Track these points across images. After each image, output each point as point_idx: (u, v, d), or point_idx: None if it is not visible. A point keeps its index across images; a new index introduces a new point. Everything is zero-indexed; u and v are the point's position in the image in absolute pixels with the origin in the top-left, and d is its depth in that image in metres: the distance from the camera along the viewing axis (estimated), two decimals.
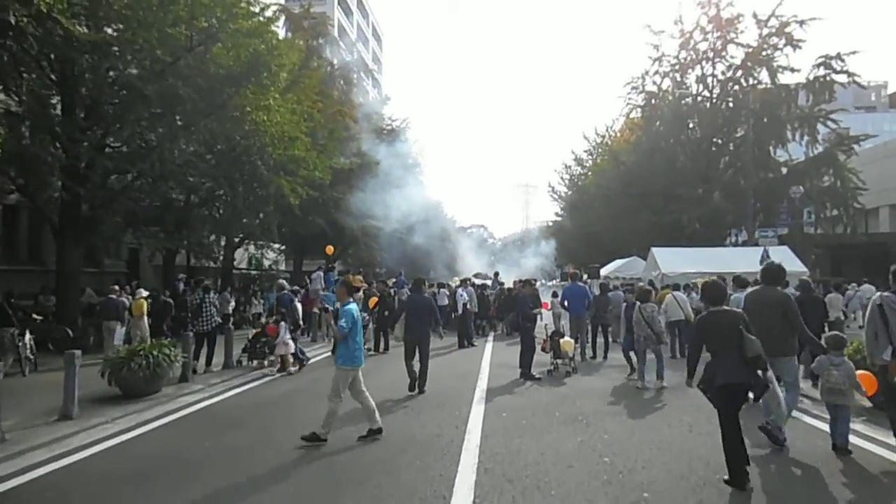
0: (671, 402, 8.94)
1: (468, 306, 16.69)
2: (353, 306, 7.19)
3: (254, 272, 29.54)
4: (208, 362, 12.39)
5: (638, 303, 10.54)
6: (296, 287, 18.07)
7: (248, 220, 20.72)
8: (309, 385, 10.71)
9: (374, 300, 15.17)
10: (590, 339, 13.49)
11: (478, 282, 22.63)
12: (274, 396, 9.73)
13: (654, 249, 24.23)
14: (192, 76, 15.89)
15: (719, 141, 31.35)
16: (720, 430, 5.34)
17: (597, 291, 14.33)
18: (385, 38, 60.51)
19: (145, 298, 14.81)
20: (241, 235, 24.88)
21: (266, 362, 12.68)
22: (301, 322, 14.95)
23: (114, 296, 15.16)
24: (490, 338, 18.26)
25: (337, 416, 6.90)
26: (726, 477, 5.23)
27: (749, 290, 7.25)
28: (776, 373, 6.42)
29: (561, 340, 11.17)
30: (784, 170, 31.00)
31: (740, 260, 22.86)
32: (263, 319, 16.34)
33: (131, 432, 7.42)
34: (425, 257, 36.18)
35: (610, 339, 14.01)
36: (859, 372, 6.30)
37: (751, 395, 6.14)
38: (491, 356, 14.04)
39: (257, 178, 20.09)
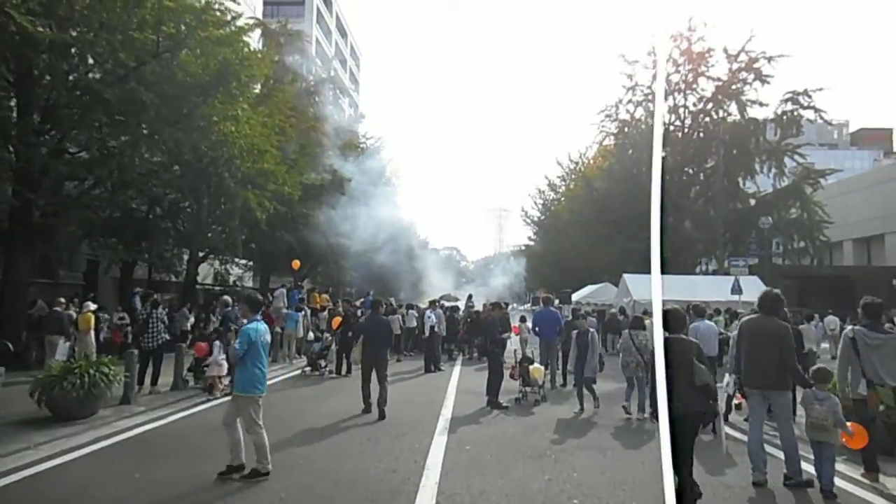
0: (642, 435, 8.43)
1: (436, 329, 16.05)
2: (254, 326, 6.29)
3: (217, 288, 28.48)
4: (153, 381, 11.53)
5: (629, 330, 10.18)
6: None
7: (213, 234, 19.86)
8: None
9: (337, 320, 14.49)
10: (560, 367, 12.97)
11: (447, 304, 22.06)
12: (218, 422, 8.94)
13: (625, 276, 23.98)
14: (158, 82, 15.18)
15: (690, 171, 31.51)
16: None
17: (569, 316, 13.86)
18: (363, 59, 60.56)
19: (93, 312, 13.91)
20: (205, 250, 23.95)
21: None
22: None
23: (59, 308, 14.24)
24: (458, 362, 17.63)
25: (266, 447, 6.15)
26: None
27: (745, 317, 6.94)
28: (771, 407, 6.22)
29: (530, 367, 10.62)
30: (752, 201, 31.25)
31: (710, 289, 22.76)
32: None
33: (52, 461, 6.62)
34: (394, 277, 35.47)
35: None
36: (851, 423, 5.86)
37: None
38: (458, 382, 13.42)
39: (223, 190, 19.32)
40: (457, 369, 15.69)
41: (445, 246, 77.74)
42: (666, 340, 5.00)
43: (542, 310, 13.07)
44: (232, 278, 30.09)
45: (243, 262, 29.52)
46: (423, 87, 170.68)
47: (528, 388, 10.73)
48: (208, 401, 10.58)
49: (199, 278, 25.81)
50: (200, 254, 25.10)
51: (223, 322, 12.64)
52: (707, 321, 10.76)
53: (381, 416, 9.22)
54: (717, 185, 28.24)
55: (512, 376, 10.82)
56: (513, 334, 12.18)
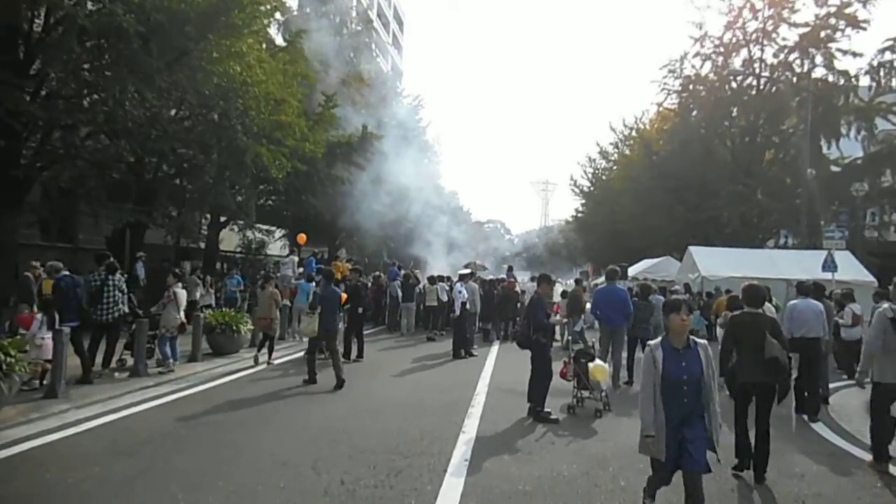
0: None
1: (468, 306, 12.99)
2: None
3: (238, 255, 26.13)
4: (106, 363, 8.94)
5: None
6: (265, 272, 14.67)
7: (221, 194, 17.21)
8: (222, 415, 7.14)
9: (344, 296, 11.65)
10: (625, 360, 9.78)
11: (483, 276, 19.05)
12: (149, 434, 6.16)
13: (692, 249, 20.37)
14: (143, 7, 12.50)
15: (764, 133, 27.19)
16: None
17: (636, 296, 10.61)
18: (407, 20, 56.84)
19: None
20: (218, 215, 21.47)
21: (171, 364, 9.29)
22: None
23: (28, 273, 11.85)
24: (495, 345, 14.60)
25: None
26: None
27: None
28: None
29: (590, 365, 7.49)
30: (833, 168, 26.79)
31: (793, 264, 18.98)
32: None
33: None
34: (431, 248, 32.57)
35: None
36: None
37: None
38: (492, 373, 10.39)
39: (235, 145, 16.61)
40: (492, 355, 12.67)
41: (489, 219, 74.32)
42: (741, 314, 5.64)
43: (606, 287, 9.86)
44: (275, 248, 27.69)
45: (275, 229, 26.99)
46: (469, 55, 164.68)
47: (585, 393, 7.63)
48: (172, 393, 7.86)
49: (219, 244, 23.37)
50: (222, 219, 22.71)
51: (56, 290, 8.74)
52: (812, 300, 8.55)
53: (338, 385, 8.70)
54: (802, 148, 23.98)
55: (564, 376, 7.71)
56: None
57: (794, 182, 27.10)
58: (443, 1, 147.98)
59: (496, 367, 11.13)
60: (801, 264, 18.77)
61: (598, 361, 7.62)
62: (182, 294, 9.59)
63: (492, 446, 6.03)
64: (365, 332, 16.44)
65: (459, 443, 6.10)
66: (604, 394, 7.59)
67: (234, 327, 11.43)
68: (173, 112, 16.87)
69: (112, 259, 9.14)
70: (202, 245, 23.11)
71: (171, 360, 9.35)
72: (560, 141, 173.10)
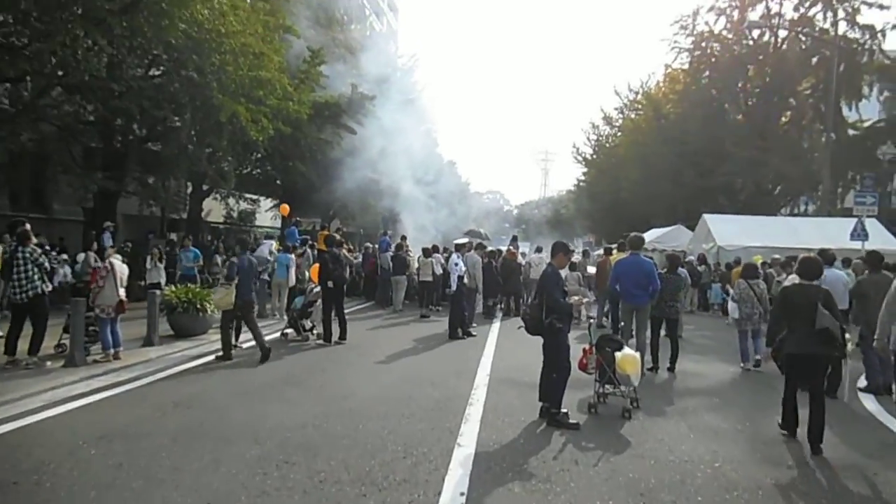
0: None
1: (465, 281, 11.39)
2: None
3: (223, 227, 24.50)
4: (32, 350, 7.39)
5: (745, 280, 8.99)
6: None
7: (198, 158, 15.48)
8: (157, 418, 5.59)
9: (315, 268, 10.06)
10: (649, 342, 8.23)
11: (485, 245, 17.40)
12: (39, 458, 4.60)
13: (706, 217, 18.76)
14: None
15: (781, 94, 25.31)
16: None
17: (662, 268, 9.01)
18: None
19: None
20: (200, 183, 19.75)
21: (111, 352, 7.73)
22: None
23: None
24: (496, 323, 13.07)
25: None
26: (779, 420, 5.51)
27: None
28: None
29: (618, 354, 5.91)
30: (851, 132, 24.97)
31: (816, 233, 17.37)
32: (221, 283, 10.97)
33: None
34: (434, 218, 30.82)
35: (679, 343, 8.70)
36: None
37: None
38: (493, 359, 8.84)
39: (208, 103, 14.85)
40: (493, 336, 11.12)
41: (489, 189, 72.38)
42: (792, 286, 5.56)
43: (629, 258, 8.23)
44: (264, 217, 25.99)
45: (261, 198, 25.25)
46: (466, 23, 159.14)
47: (609, 388, 6.09)
48: (113, 387, 6.31)
49: (202, 214, 21.69)
50: (204, 187, 21.01)
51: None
52: (836, 269, 8.93)
53: (264, 356, 8.15)
54: (820, 110, 22.25)
55: (583, 368, 6.15)
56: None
57: (811, 146, 25.40)
58: None
59: (498, 350, 9.59)
60: (825, 232, 17.18)
61: (626, 350, 6.04)
62: (121, 267, 7.98)
63: (496, 470, 4.49)
64: (355, 308, 15.23)
65: (454, 463, 4.56)
66: (632, 389, 6.04)
67: (199, 305, 9.86)
68: (142, 70, 15.13)
69: (26, 226, 7.47)
70: (184, 216, 21.49)
71: (112, 349, 7.79)
72: (560, 110, 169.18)
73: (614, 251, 11.60)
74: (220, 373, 7.56)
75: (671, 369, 8.24)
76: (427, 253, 14.22)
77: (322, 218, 27.05)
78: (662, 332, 8.43)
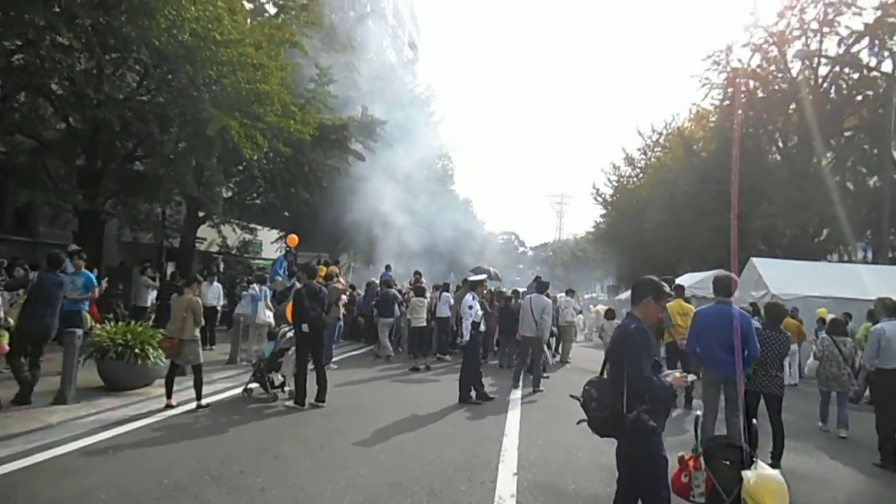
0: None
1: (481, 327, 8.77)
2: None
3: (216, 256, 22.18)
4: None
5: (829, 336, 7.99)
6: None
7: (183, 176, 13.29)
8: None
9: (289, 307, 7.66)
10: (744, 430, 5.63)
11: (495, 287, 14.96)
12: None
13: (755, 261, 16.18)
14: None
15: (822, 133, 22.88)
16: None
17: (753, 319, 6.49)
18: (422, 24, 52.96)
19: None
20: (196, 208, 17.58)
21: None
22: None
23: None
24: (519, 383, 10.49)
25: None
26: None
27: None
28: None
29: (749, 475, 3.36)
30: None
31: (883, 282, 14.67)
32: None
33: None
34: (445, 256, 28.47)
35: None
36: None
37: None
38: (519, 442, 6.25)
39: (195, 114, 12.81)
40: (516, 402, 8.53)
41: (503, 231, 70.00)
42: None
43: (712, 308, 5.75)
44: (248, 247, 23.76)
45: (259, 228, 23.06)
46: (483, 66, 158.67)
47: None
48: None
49: (195, 242, 19.44)
50: (201, 214, 18.84)
51: None
52: None
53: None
54: (871, 150, 19.80)
55: (681, 490, 3.58)
56: None
57: (857, 189, 22.85)
58: (458, 9, 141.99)
59: (525, 425, 7.00)
60: (891, 282, 14.50)
61: (763, 468, 3.46)
62: None
63: None
64: (349, 355, 12.70)
65: None
66: None
67: (139, 349, 7.43)
68: (128, 79, 13.29)
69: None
70: (175, 244, 19.29)
71: None
72: (576, 154, 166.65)
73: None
74: (125, 456, 5.08)
75: (774, 466, 5.61)
76: (419, 291, 11.74)
77: (330, 252, 24.79)
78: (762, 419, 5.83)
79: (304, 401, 7.18)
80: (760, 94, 23.54)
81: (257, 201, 21.54)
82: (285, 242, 18.88)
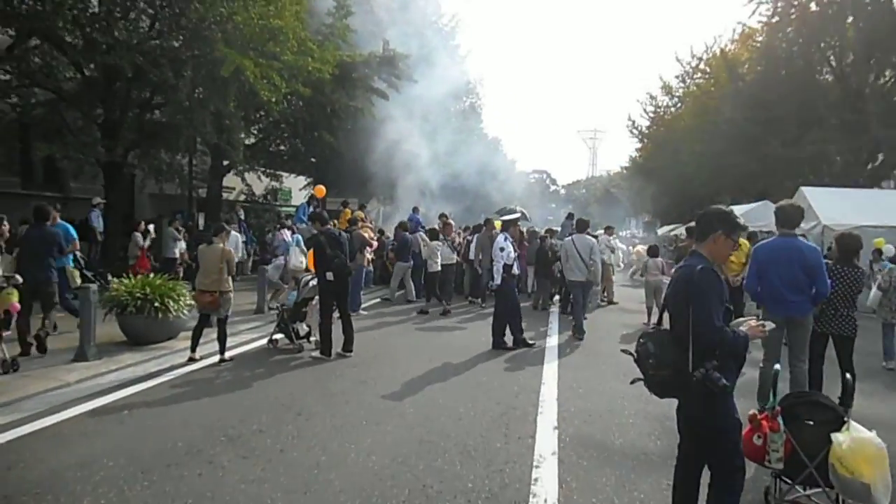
0: None
1: (514, 270, 8.14)
2: None
3: (246, 203, 21.92)
4: None
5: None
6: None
7: (202, 123, 12.79)
8: None
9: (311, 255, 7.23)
10: (808, 374, 5.03)
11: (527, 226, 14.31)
12: None
13: (805, 190, 15.10)
14: None
15: (881, 48, 20.92)
16: None
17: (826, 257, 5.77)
18: None
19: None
20: (220, 157, 17.18)
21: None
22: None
23: None
24: (554, 321, 10.00)
25: None
26: None
27: None
28: None
29: (839, 437, 2.79)
30: None
31: None
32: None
33: None
34: (477, 197, 27.74)
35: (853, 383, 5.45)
36: None
37: None
38: (558, 392, 5.79)
39: (210, 57, 12.18)
40: (552, 347, 8.05)
41: (535, 169, 68.23)
42: None
43: (776, 241, 5.03)
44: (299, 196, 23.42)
45: (285, 175, 22.58)
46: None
47: (801, 492, 2.99)
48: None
49: (222, 192, 19.16)
50: (225, 162, 18.44)
51: None
52: None
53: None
54: None
55: (754, 454, 3.05)
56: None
57: None
58: None
59: (563, 373, 6.53)
60: None
61: (857, 429, 2.88)
62: None
63: None
64: (376, 300, 12.39)
65: None
66: None
67: (160, 303, 7.15)
68: (143, 26, 12.71)
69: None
70: (202, 193, 19.04)
71: None
72: (608, 87, 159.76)
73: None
74: (140, 416, 4.80)
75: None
76: (433, 234, 11.18)
77: (358, 197, 24.31)
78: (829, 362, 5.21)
79: (329, 351, 6.83)
80: (814, 7, 21.51)
81: (282, 148, 21.05)
82: (312, 192, 18.47)
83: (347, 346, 6.97)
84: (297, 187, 25.15)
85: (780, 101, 20.82)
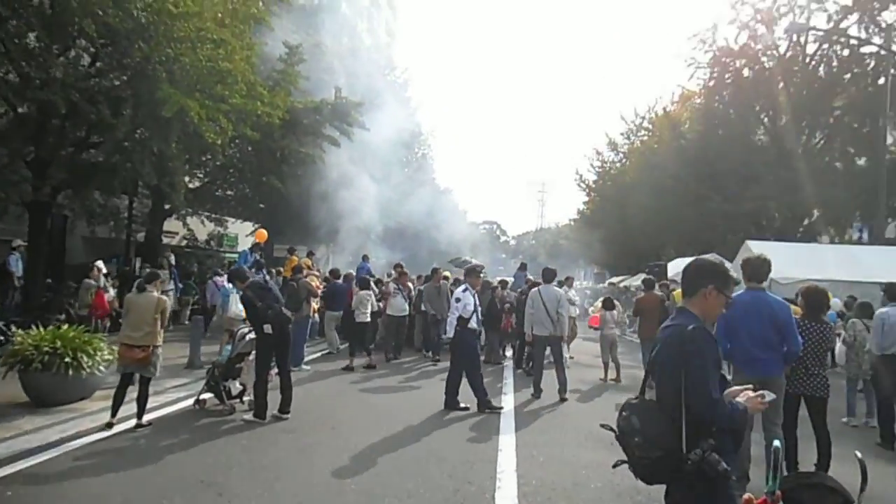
0: None
1: (472, 325, 7.60)
2: None
3: (186, 249, 20.88)
4: None
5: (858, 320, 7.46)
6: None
7: (140, 163, 12.01)
8: None
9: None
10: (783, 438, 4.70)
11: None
12: None
13: (751, 244, 15.31)
14: None
15: (811, 113, 22.20)
16: None
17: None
18: (401, 12, 51.20)
19: None
20: (162, 201, 16.32)
21: None
22: None
23: None
24: (507, 382, 9.50)
25: None
26: None
27: None
28: None
29: None
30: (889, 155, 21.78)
31: (885, 263, 14.02)
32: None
33: None
34: (426, 246, 27.48)
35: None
36: None
37: None
38: (517, 463, 5.26)
39: (150, 94, 11.57)
40: (507, 409, 7.51)
41: (485, 220, 68.89)
42: None
43: (745, 295, 4.71)
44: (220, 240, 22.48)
45: (229, 220, 21.74)
46: (460, 53, 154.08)
47: None
48: None
49: (160, 236, 18.13)
50: (167, 206, 17.52)
51: None
52: None
53: None
54: (854, 131, 19.12)
55: None
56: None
57: (845, 169, 22.25)
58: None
59: (521, 437, 6.01)
60: (890, 262, 13.82)
61: None
62: None
63: None
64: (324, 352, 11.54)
65: None
66: None
67: (71, 357, 6.29)
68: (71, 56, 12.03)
69: None
70: (140, 237, 17.99)
71: None
72: (556, 142, 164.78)
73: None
74: (21, 499, 3.99)
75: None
76: (363, 283, 10.60)
77: (307, 244, 23.56)
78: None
79: (264, 413, 6.11)
80: (747, 73, 22.77)
81: (229, 192, 20.33)
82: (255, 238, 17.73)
83: (284, 407, 6.26)
84: (244, 233, 24.24)
85: (720, 159, 21.64)
